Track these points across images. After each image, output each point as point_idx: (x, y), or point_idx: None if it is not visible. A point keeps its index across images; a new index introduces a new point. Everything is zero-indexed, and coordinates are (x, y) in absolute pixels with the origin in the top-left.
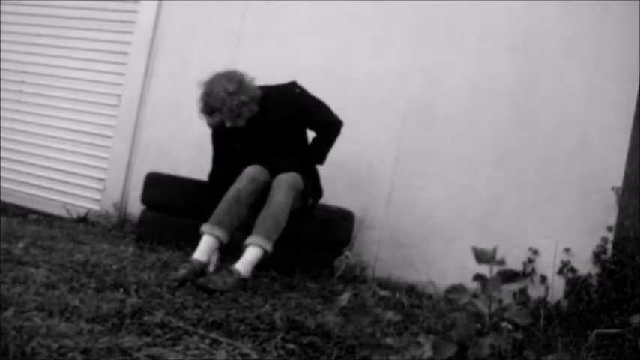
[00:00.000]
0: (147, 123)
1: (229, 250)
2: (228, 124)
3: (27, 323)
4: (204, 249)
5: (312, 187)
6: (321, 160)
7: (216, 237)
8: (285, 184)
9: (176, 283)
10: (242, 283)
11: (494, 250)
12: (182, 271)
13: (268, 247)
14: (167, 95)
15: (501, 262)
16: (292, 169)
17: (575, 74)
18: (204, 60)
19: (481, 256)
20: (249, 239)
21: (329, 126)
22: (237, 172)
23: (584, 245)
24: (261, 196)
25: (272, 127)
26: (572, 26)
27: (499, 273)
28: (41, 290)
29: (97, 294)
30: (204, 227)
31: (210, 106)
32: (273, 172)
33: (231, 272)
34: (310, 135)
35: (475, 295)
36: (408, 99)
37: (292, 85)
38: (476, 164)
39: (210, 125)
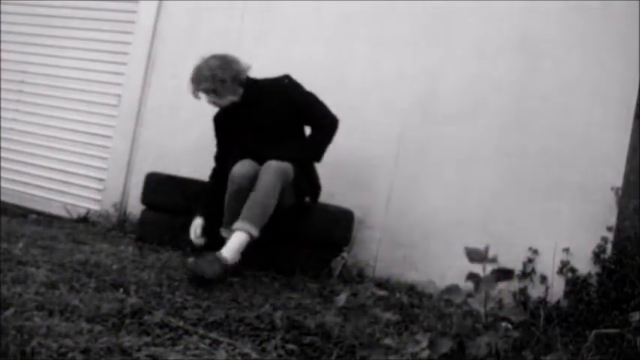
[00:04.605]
0: (147, 123)
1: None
2: (209, 100)
3: (27, 323)
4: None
5: (308, 182)
6: (317, 156)
7: None
8: (272, 169)
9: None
10: (229, 268)
11: (487, 249)
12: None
13: (254, 231)
14: (167, 95)
15: (494, 260)
16: (283, 159)
17: (575, 74)
18: None
19: (473, 256)
20: (235, 225)
21: (323, 121)
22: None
23: (584, 245)
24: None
25: (267, 119)
26: (572, 26)
27: (493, 272)
28: (41, 290)
29: (97, 294)
30: (223, 232)
31: (192, 79)
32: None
33: (217, 259)
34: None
35: (470, 295)
36: (408, 99)
37: (283, 77)
38: (476, 164)
39: (194, 95)
